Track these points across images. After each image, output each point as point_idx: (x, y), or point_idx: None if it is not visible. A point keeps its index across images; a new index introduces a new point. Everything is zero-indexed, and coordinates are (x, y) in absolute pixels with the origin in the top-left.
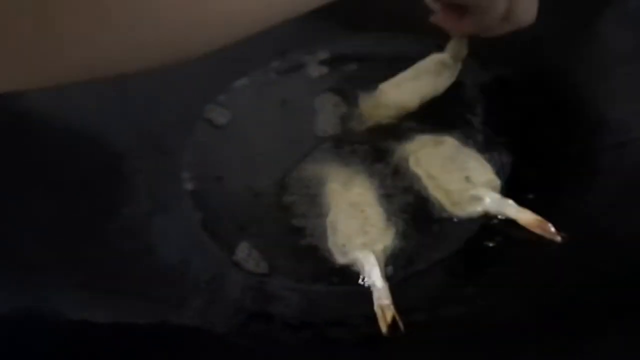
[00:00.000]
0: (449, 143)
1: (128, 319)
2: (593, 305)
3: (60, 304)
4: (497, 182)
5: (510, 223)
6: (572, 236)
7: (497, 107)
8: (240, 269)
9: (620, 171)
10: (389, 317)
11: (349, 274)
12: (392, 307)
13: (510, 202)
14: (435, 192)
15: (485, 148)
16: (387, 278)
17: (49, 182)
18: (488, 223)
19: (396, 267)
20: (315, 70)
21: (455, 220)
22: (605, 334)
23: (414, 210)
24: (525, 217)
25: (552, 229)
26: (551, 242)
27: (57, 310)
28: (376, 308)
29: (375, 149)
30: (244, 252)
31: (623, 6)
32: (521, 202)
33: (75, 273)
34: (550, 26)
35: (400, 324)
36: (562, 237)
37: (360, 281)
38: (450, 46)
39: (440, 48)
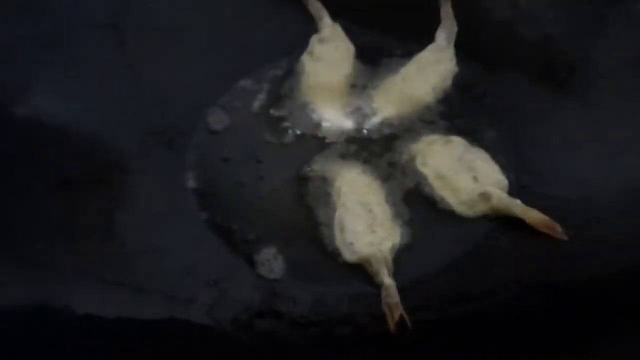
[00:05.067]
0: (457, 143)
1: (136, 315)
2: (602, 304)
3: (69, 300)
4: (505, 182)
5: (518, 222)
6: (580, 235)
7: (505, 107)
8: (251, 269)
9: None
10: (396, 315)
11: (357, 273)
12: (400, 305)
13: (518, 202)
14: (443, 192)
15: (493, 148)
16: (395, 277)
17: (59, 180)
18: (496, 222)
19: (404, 266)
20: None
21: (463, 219)
22: (614, 332)
23: (421, 210)
24: (532, 216)
25: (559, 228)
26: (559, 241)
27: (66, 306)
28: (384, 306)
29: (383, 149)
30: (261, 256)
31: (630, 9)
32: (528, 201)
33: (84, 270)
34: (559, 26)
35: (408, 322)
36: (569, 236)
37: (368, 280)
38: (441, 27)
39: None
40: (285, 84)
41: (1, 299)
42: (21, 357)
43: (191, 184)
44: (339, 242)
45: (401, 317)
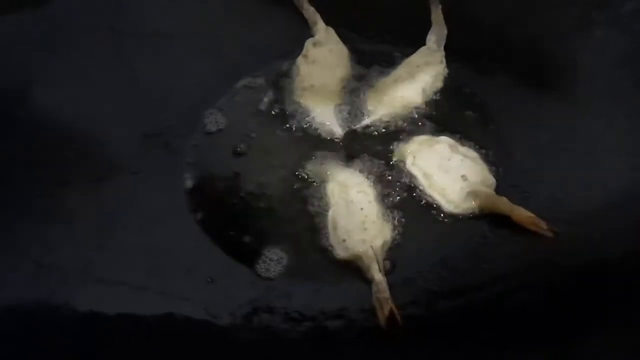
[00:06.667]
0: (446, 143)
1: (134, 312)
2: (587, 298)
3: (70, 298)
4: (493, 181)
5: (506, 220)
6: (565, 232)
7: (493, 107)
8: (247, 266)
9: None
10: (387, 310)
11: (349, 269)
12: (390, 300)
13: (505, 199)
14: (432, 191)
15: (481, 147)
16: (386, 273)
17: (59, 180)
18: (483, 220)
19: (395, 262)
20: None
21: (451, 217)
22: (599, 325)
23: (411, 208)
24: (519, 213)
25: (545, 225)
26: (545, 238)
27: (66, 303)
28: (375, 301)
29: (374, 149)
30: (257, 254)
31: (617, 10)
32: (515, 199)
33: (84, 268)
34: (547, 27)
35: (398, 317)
36: (554, 232)
37: (359, 276)
38: (432, 31)
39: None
40: (280, 86)
41: (1, 298)
42: (21, 357)
43: (188, 184)
44: (332, 239)
45: (391, 311)
